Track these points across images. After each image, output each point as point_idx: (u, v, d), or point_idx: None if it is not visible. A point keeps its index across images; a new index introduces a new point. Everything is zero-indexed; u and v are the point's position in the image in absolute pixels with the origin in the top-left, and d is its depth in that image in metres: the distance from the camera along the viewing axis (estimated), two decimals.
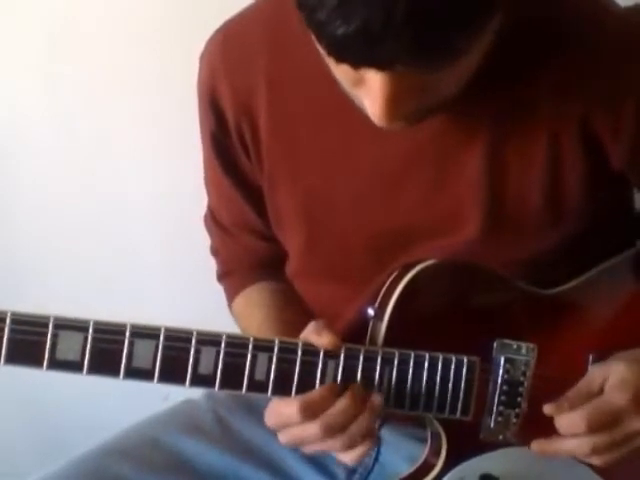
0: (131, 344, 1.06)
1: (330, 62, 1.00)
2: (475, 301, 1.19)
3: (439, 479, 1.18)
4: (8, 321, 1.03)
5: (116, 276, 1.87)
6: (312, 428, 1.09)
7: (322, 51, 0.96)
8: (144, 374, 1.07)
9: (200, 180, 1.38)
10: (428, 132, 1.15)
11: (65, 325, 1.04)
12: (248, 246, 1.36)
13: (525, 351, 1.18)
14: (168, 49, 1.71)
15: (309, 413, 1.09)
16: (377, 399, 1.11)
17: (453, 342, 1.15)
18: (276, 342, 1.10)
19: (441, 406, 1.15)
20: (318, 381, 1.11)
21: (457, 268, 1.18)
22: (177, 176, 1.76)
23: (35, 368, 1.04)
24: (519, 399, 1.18)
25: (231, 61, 1.25)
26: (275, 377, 1.09)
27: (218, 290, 1.42)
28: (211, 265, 1.43)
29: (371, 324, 1.16)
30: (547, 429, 1.16)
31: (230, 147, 1.29)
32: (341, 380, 1.11)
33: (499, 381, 1.17)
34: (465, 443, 1.18)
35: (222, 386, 1.08)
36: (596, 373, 1.17)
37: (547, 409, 1.15)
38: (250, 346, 1.09)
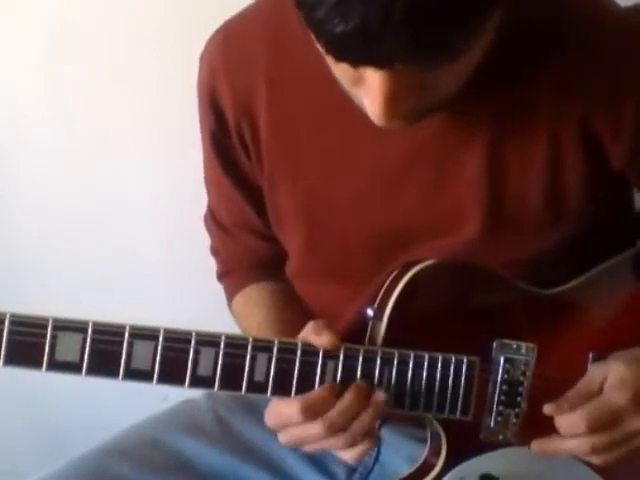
0: (130, 345, 1.06)
1: (330, 61, 1.00)
2: (475, 301, 1.19)
3: (439, 479, 1.18)
4: (7, 322, 1.03)
5: (116, 276, 1.87)
6: (314, 428, 1.09)
7: (321, 50, 0.96)
8: (143, 375, 1.07)
9: (200, 180, 1.38)
10: (428, 132, 1.15)
11: (64, 326, 1.04)
12: (248, 246, 1.36)
13: (525, 351, 1.18)
14: (168, 49, 1.71)
15: (310, 413, 1.09)
16: (380, 396, 1.11)
17: (453, 342, 1.15)
18: (275, 342, 1.10)
19: (441, 406, 1.15)
20: (317, 381, 1.11)
21: (457, 268, 1.18)
22: (177, 176, 1.76)
23: (34, 369, 1.04)
24: (519, 399, 1.18)
25: (231, 61, 1.25)
26: (274, 377, 1.09)
27: (218, 290, 1.42)
28: (211, 265, 1.43)
29: (370, 324, 1.16)
30: (547, 429, 1.16)
31: (230, 147, 1.29)
32: (340, 380, 1.11)
33: (499, 381, 1.17)
34: (465, 443, 1.18)
35: (221, 387, 1.08)
36: (595, 373, 1.17)
37: (547, 409, 1.15)
38: (249, 347, 1.09)
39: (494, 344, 1.17)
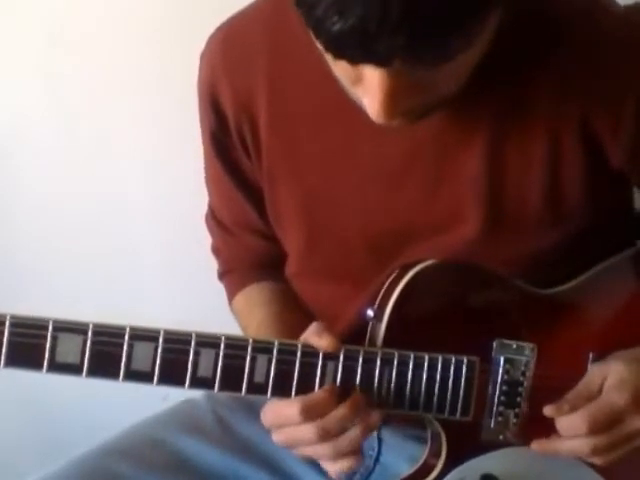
0: (130, 346, 1.06)
1: (329, 60, 1.00)
2: (474, 301, 1.19)
3: (439, 479, 1.18)
4: (7, 324, 1.03)
5: (116, 276, 1.87)
6: (308, 430, 1.09)
7: (321, 48, 0.96)
8: (143, 376, 1.07)
9: (200, 180, 1.38)
10: (428, 131, 1.15)
11: (64, 328, 1.04)
12: (249, 245, 1.36)
13: (525, 351, 1.18)
14: (168, 49, 1.70)
15: (310, 414, 1.09)
16: (375, 416, 1.11)
17: (453, 342, 1.15)
18: (275, 344, 1.10)
19: (441, 407, 1.15)
20: (317, 383, 1.10)
21: (456, 268, 1.18)
22: (177, 176, 1.76)
23: (35, 371, 1.04)
24: (519, 399, 1.18)
25: (231, 60, 1.25)
26: (274, 379, 1.09)
27: (218, 290, 1.42)
28: (211, 265, 1.43)
29: (370, 325, 1.16)
30: (547, 429, 1.16)
31: (230, 146, 1.29)
32: (341, 381, 1.11)
33: (499, 381, 1.17)
34: (465, 443, 1.18)
35: (221, 388, 1.08)
36: (595, 373, 1.17)
37: (547, 411, 1.15)
38: (249, 348, 1.09)
39: (494, 344, 1.17)
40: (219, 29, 1.28)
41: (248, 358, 1.09)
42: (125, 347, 1.05)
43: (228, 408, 1.36)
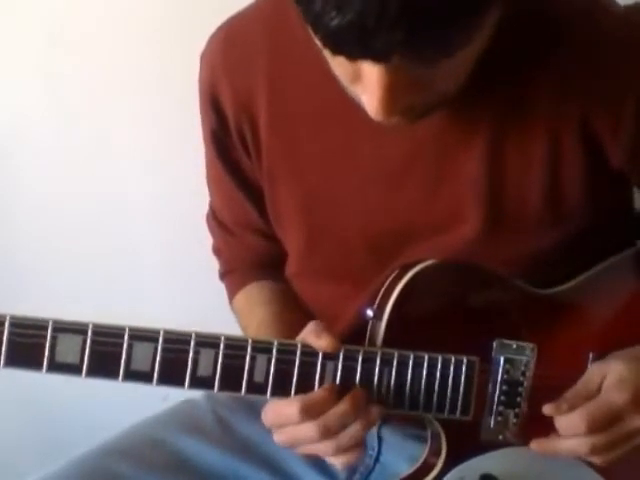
0: (130, 347, 1.06)
1: (328, 57, 1.00)
2: (474, 301, 1.19)
3: (439, 479, 1.18)
4: (7, 324, 1.03)
5: (116, 276, 1.87)
6: (309, 429, 1.09)
7: (319, 44, 0.95)
8: (143, 377, 1.07)
9: (200, 180, 1.38)
10: (428, 130, 1.15)
11: (64, 328, 1.04)
12: (250, 245, 1.37)
13: (525, 351, 1.18)
14: (168, 49, 1.70)
15: (309, 414, 1.09)
16: (375, 411, 1.11)
17: (452, 342, 1.15)
18: (275, 343, 1.10)
19: (441, 406, 1.15)
20: (317, 382, 1.10)
21: (456, 268, 1.18)
22: (177, 176, 1.76)
23: (34, 371, 1.04)
24: (519, 399, 1.18)
25: (232, 59, 1.25)
26: (274, 378, 1.09)
27: (218, 290, 1.42)
28: (211, 265, 1.43)
29: (370, 324, 1.16)
30: (547, 429, 1.16)
31: (231, 146, 1.29)
32: (340, 381, 1.11)
33: (499, 381, 1.17)
34: (465, 443, 1.18)
35: (221, 388, 1.08)
36: (595, 372, 1.17)
37: (546, 410, 1.15)
38: (249, 348, 1.09)
39: (494, 344, 1.17)
40: (219, 29, 1.28)
41: (248, 358, 1.09)
42: (125, 347, 1.05)
43: (228, 408, 1.36)
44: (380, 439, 1.32)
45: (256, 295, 1.36)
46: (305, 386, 1.10)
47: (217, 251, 1.42)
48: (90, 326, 1.05)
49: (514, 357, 1.17)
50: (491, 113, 1.16)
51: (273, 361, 1.09)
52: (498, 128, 1.16)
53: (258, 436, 1.31)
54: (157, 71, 1.73)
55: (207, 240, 1.43)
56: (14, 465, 1.89)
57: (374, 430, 1.31)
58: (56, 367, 1.05)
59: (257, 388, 1.10)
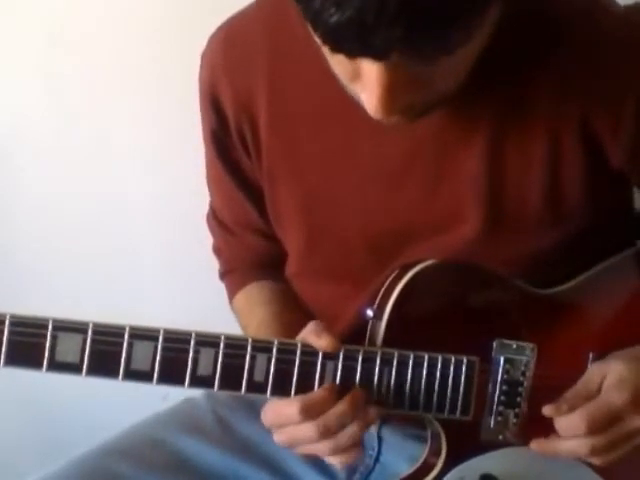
0: (130, 346, 1.05)
1: (328, 56, 1.00)
2: (474, 301, 1.19)
3: (439, 479, 1.18)
4: (7, 323, 1.03)
5: (116, 276, 1.87)
6: (309, 429, 1.09)
7: (319, 41, 0.95)
8: (143, 376, 1.07)
9: (200, 180, 1.38)
10: (428, 129, 1.15)
11: (64, 327, 1.04)
12: (250, 245, 1.37)
13: (525, 351, 1.18)
14: (168, 49, 1.70)
15: (309, 414, 1.09)
16: (373, 411, 1.11)
17: (452, 342, 1.15)
18: (275, 343, 1.10)
19: (441, 406, 1.15)
20: (317, 382, 1.10)
21: (456, 268, 1.18)
22: (177, 176, 1.76)
23: (34, 370, 1.04)
24: (519, 399, 1.18)
25: (232, 59, 1.25)
26: (274, 378, 1.09)
27: (218, 290, 1.42)
28: (211, 265, 1.43)
29: (370, 324, 1.16)
30: (547, 429, 1.16)
31: (231, 146, 1.29)
32: (340, 381, 1.11)
33: (499, 381, 1.17)
34: (465, 443, 1.18)
35: (221, 387, 1.08)
36: (594, 372, 1.17)
37: (546, 411, 1.14)
38: (249, 347, 1.09)
39: (494, 344, 1.17)
40: (220, 29, 1.28)
41: (248, 357, 1.09)
42: (125, 346, 1.05)
43: (228, 408, 1.36)
44: (380, 439, 1.32)
45: (256, 295, 1.36)
46: (305, 386, 1.10)
47: (217, 251, 1.42)
48: (90, 325, 1.05)
49: (514, 357, 1.17)
50: (491, 112, 1.16)
51: (273, 360, 1.09)
52: (498, 127, 1.16)
53: (258, 436, 1.31)
54: (157, 71, 1.73)
55: (207, 240, 1.43)
56: (14, 465, 1.89)
57: (374, 430, 1.31)
58: (56, 366, 1.05)
59: (257, 387, 1.10)
